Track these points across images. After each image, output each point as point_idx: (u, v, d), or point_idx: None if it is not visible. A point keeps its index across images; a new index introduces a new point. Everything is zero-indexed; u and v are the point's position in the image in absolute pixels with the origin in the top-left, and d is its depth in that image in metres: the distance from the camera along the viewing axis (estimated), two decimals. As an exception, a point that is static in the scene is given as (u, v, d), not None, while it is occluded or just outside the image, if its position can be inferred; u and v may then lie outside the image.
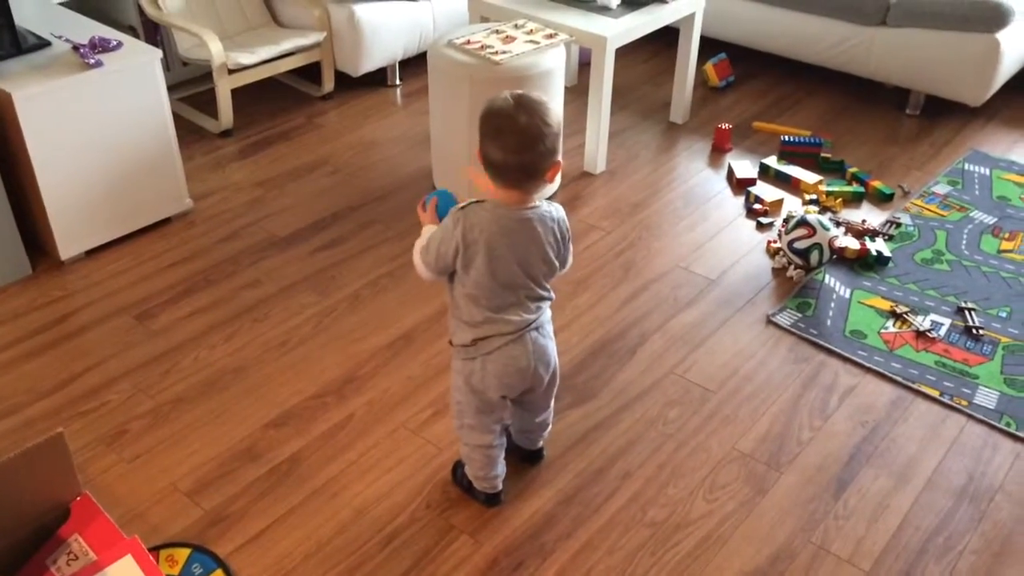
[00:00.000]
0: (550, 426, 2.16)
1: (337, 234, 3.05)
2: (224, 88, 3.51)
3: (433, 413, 2.33)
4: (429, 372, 2.47)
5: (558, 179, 3.25)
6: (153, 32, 3.79)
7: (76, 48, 2.75)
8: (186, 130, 3.59)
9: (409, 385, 2.42)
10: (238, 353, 2.52)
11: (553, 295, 1.90)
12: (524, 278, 1.79)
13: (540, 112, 1.67)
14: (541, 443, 2.19)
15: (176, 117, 3.05)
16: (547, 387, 1.99)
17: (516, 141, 1.67)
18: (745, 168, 3.39)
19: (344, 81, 3.99)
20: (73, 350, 2.53)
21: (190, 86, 3.94)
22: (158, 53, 2.84)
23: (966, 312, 2.66)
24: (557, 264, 1.84)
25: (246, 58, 3.52)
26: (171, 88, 3.19)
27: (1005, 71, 3.63)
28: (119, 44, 2.81)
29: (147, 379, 2.43)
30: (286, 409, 2.34)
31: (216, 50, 3.41)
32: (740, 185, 3.33)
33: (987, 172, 3.41)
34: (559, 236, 1.82)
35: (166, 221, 3.07)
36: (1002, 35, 3.48)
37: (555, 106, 1.72)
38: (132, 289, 2.76)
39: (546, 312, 1.90)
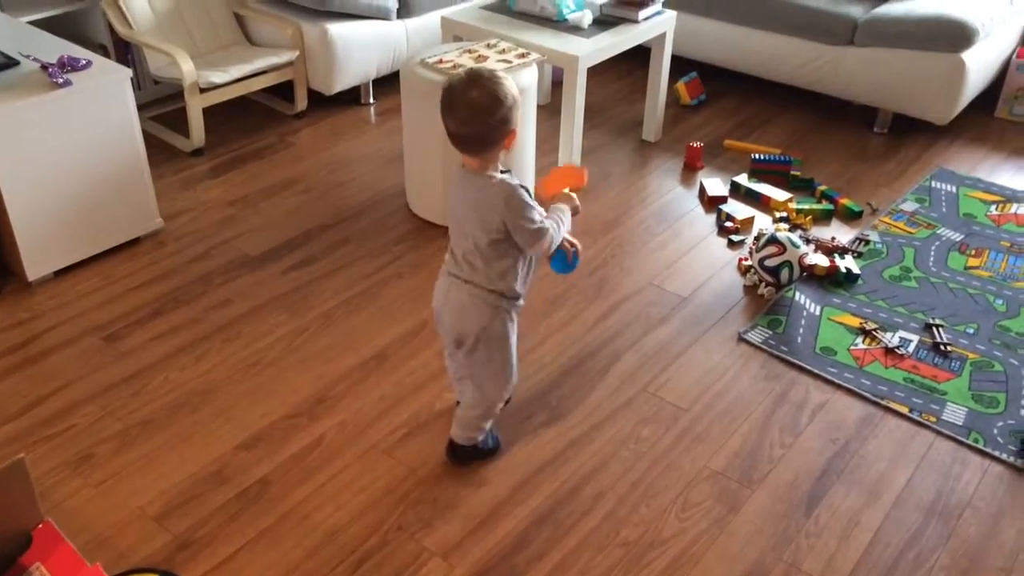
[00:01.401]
0: (467, 428, 2.16)
1: (309, 253, 3.03)
2: (195, 107, 3.49)
3: (406, 433, 2.32)
4: (402, 392, 2.45)
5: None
6: (124, 50, 3.77)
7: (44, 67, 2.73)
8: (157, 149, 3.56)
9: (382, 405, 2.41)
10: (208, 374, 2.50)
11: (502, 293, 1.95)
12: (460, 235, 1.93)
13: (491, 86, 1.79)
14: (455, 435, 2.18)
15: (147, 136, 3.03)
16: (464, 354, 2.04)
17: (467, 113, 1.79)
18: (716, 186, 3.42)
19: (317, 99, 3.99)
20: (39, 373, 2.49)
21: (161, 104, 3.91)
22: (128, 72, 2.83)
23: (934, 328, 2.70)
24: (500, 236, 1.87)
25: (218, 77, 3.50)
26: (142, 107, 3.18)
27: (970, 90, 3.69)
28: (88, 63, 2.79)
29: (115, 402, 2.39)
30: (256, 431, 2.31)
31: (187, 69, 3.40)
32: (712, 203, 3.35)
33: (953, 189, 3.46)
34: (504, 207, 1.84)
35: (136, 241, 3.04)
36: (967, 55, 3.55)
37: (509, 81, 1.84)
38: (100, 310, 2.73)
39: (478, 289, 1.94)
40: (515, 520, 2.09)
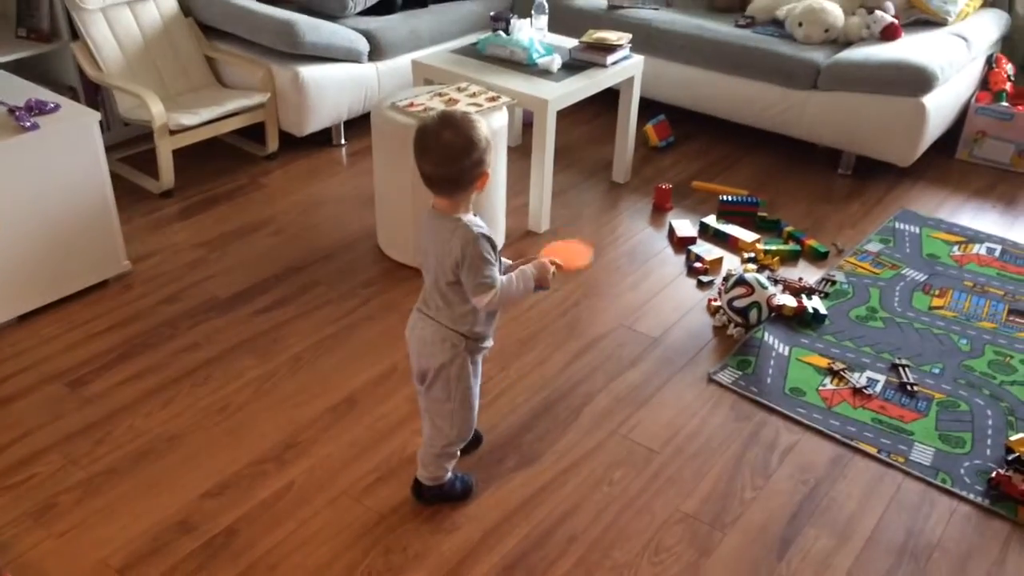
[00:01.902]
0: (427, 465, 2.16)
1: (280, 295, 3.01)
2: (165, 149, 3.48)
3: (376, 479, 2.29)
4: (373, 436, 2.43)
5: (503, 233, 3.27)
6: (94, 92, 3.76)
7: (12, 111, 2.71)
8: (126, 190, 3.54)
9: (352, 450, 2.38)
10: (175, 420, 2.46)
11: (464, 334, 1.96)
12: (427, 273, 1.97)
13: (465, 129, 1.81)
14: (419, 474, 2.19)
15: (116, 177, 3.01)
16: (425, 389, 2.05)
17: (441, 156, 1.81)
18: (685, 227, 3.45)
19: (288, 141, 3.99)
20: (0, 420, 2.44)
21: (131, 146, 3.89)
22: (96, 116, 2.82)
23: (900, 369, 2.73)
24: (455, 279, 1.89)
25: (188, 119, 3.50)
26: (111, 148, 3.16)
27: (931, 133, 3.78)
28: (56, 107, 2.77)
29: (78, 449, 2.35)
30: (223, 478, 2.28)
31: (157, 111, 3.39)
32: (681, 244, 3.39)
33: (917, 230, 3.52)
34: (459, 253, 1.85)
35: (103, 284, 3.01)
36: (927, 99, 3.63)
37: (482, 123, 1.87)
38: (65, 355, 2.69)
39: (441, 327, 1.97)
40: (487, 566, 2.07)
